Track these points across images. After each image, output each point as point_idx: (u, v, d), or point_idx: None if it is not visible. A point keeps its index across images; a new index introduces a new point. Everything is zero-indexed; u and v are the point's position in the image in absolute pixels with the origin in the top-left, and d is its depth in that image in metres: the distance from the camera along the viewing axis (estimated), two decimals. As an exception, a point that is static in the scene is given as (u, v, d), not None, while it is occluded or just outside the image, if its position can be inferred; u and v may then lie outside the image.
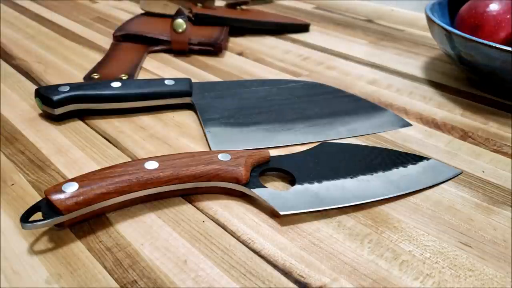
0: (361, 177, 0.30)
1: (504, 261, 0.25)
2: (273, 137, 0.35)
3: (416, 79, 0.48)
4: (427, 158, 0.33)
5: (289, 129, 0.36)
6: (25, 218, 0.24)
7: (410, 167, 0.31)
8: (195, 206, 0.28)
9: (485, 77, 0.42)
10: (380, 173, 0.30)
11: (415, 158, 0.32)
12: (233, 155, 0.29)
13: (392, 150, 0.33)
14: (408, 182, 0.30)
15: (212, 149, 0.33)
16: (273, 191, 0.28)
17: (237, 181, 0.28)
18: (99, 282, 0.23)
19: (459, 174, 0.32)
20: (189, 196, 0.29)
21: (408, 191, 0.29)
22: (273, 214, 0.27)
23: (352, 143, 0.35)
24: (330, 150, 0.32)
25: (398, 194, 0.29)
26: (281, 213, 0.26)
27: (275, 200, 0.27)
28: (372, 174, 0.30)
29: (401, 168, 0.31)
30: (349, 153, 0.32)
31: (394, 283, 0.23)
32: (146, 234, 0.26)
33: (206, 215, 0.27)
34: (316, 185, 0.29)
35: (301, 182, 0.29)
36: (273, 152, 0.33)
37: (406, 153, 0.33)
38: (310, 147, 0.33)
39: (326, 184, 0.29)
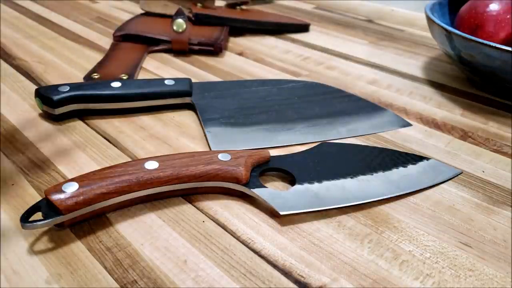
0: (361, 177, 0.30)
1: (504, 261, 0.25)
2: (273, 137, 0.35)
3: (416, 79, 0.48)
4: (427, 158, 0.33)
5: (289, 129, 0.36)
6: (25, 218, 0.24)
7: (410, 167, 0.31)
8: (195, 206, 0.28)
9: (485, 77, 0.42)
10: (380, 173, 0.30)
11: (415, 158, 0.32)
12: (233, 155, 0.29)
13: (392, 150, 0.33)
14: (408, 182, 0.30)
15: (212, 149, 0.33)
16: (273, 191, 0.28)
17: (237, 181, 0.28)
18: (99, 282, 0.23)
19: (459, 174, 0.32)
20: (189, 196, 0.29)
21: (408, 191, 0.29)
22: (273, 214, 0.27)
23: (352, 143, 0.35)
24: (330, 150, 0.32)
25: (398, 194, 0.29)
26: (281, 213, 0.26)
27: (275, 200, 0.27)
28: (372, 174, 0.30)
29: (401, 168, 0.31)
30: (349, 153, 0.32)
31: (394, 283, 0.23)
32: (146, 234, 0.26)
33: (206, 215, 0.27)
34: (316, 185, 0.29)
35: (301, 182, 0.29)
36: (273, 152, 0.33)
37: (406, 153, 0.33)
38: (310, 147, 0.33)
39: (326, 184, 0.29)
